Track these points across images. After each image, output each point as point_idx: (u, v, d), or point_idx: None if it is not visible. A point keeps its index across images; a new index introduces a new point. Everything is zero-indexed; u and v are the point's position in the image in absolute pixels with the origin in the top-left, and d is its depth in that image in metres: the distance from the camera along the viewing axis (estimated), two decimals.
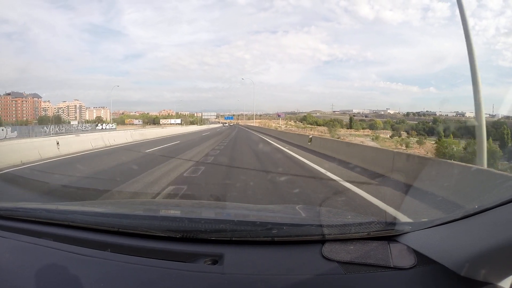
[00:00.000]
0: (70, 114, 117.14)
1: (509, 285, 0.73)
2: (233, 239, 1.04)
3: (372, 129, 78.65)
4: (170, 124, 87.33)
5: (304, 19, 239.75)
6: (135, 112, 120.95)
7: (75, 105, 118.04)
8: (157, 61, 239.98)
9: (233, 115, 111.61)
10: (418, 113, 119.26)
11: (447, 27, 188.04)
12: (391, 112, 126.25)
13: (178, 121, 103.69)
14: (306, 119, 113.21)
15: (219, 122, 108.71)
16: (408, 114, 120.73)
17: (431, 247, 0.88)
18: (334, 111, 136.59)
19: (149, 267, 0.90)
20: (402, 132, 70.83)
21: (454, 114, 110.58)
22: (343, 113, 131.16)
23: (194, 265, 0.93)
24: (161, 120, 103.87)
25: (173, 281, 0.85)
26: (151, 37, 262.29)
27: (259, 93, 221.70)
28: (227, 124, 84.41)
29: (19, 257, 1.00)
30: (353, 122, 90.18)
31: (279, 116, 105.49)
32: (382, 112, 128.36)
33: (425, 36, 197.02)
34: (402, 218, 2.83)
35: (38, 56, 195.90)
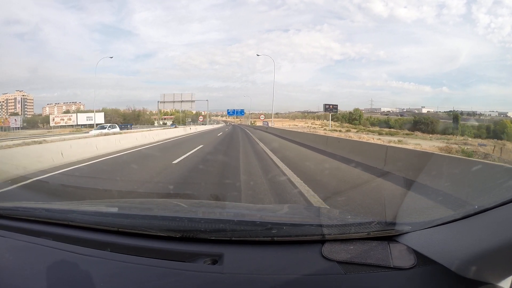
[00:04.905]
0: (9, 109, 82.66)
1: (509, 285, 0.74)
2: (233, 238, 1.05)
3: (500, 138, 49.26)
4: (61, 126, 55.15)
5: (317, 17, 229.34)
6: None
7: (15, 98, 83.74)
8: (168, 60, 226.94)
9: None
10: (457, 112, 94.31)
11: (461, 26, 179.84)
12: (427, 110, 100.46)
13: (101, 116, 57.99)
14: (358, 119, 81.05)
15: (203, 121, 73.94)
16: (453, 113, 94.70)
17: (431, 247, 0.89)
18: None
19: (149, 266, 0.92)
20: None
21: (497, 113, 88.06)
22: (371, 111, 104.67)
23: (194, 265, 0.95)
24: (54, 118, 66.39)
25: (173, 280, 0.87)
26: (161, 36, 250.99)
27: (270, 92, 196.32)
28: (228, 123, 55.34)
29: (19, 257, 1.01)
30: (459, 123, 59.50)
31: (329, 110, 64.86)
32: (416, 111, 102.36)
33: (438, 35, 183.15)
34: None
35: (48, 56, 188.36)
